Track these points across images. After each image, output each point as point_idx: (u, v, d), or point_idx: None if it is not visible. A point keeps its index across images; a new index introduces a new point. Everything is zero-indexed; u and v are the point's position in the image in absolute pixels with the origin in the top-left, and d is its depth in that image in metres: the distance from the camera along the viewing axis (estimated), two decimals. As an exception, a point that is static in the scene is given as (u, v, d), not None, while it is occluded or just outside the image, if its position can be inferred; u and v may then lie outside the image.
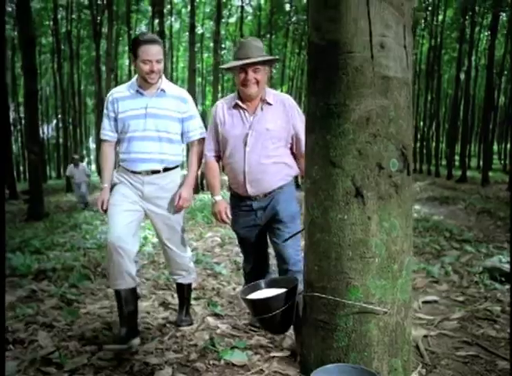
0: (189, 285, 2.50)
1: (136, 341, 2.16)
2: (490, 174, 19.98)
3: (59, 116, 28.32)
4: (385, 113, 0.92)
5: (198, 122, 2.27)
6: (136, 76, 2.21)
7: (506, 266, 3.11)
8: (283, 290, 1.15)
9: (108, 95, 2.26)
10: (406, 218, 0.97)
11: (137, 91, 2.16)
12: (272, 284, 1.24)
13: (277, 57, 2.34)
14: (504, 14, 22.95)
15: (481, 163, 16.68)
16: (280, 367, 1.93)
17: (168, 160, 2.21)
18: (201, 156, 2.27)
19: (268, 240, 2.25)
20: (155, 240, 5.03)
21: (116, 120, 2.21)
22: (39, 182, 7.85)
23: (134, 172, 2.19)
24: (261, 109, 2.06)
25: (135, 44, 2.09)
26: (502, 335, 2.18)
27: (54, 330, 2.33)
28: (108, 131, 2.25)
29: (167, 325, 2.50)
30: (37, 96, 8.26)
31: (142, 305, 2.85)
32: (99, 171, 26.16)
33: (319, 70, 0.96)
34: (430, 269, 3.37)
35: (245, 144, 2.03)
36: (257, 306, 1.14)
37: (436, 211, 8.32)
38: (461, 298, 2.78)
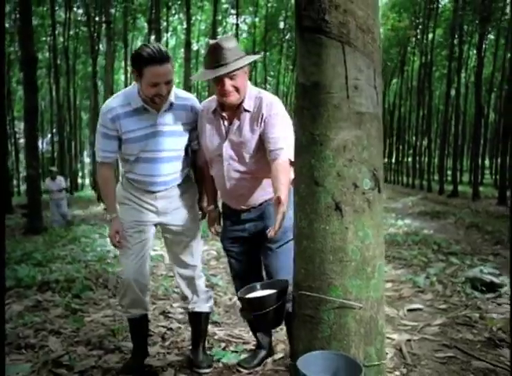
0: (208, 314, 2.20)
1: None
2: (481, 189, 20.32)
3: (54, 130, 28.47)
4: (359, 141, 1.12)
5: None
6: (135, 85, 1.87)
7: (487, 276, 3.30)
8: (275, 290, 1.33)
9: (104, 109, 1.89)
10: (378, 228, 1.16)
11: (142, 106, 1.85)
12: (266, 286, 1.42)
13: (258, 55, 2.04)
14: (492, 33, 23.65)
15: (475, 177, 16.95)
16: (273, 368, 2.09)
17: (182, 175, 2.03)
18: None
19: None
20: (153, 252, 5.18)
21: (119, 139, 1.91)
22: (37, 196, 7.98)
23: (148, 191, 1.99)
24: (238, 118, 1.81)
25: (140, 61, 1.73)
26: (478, 339, 2.36)
27: (62, 336, 2.48)
28: (109, 153, 1.94)
29: (168, 332, 2.65)
30: (37, 112, 8.47)
31: (143, 313, 3.01)
32: (94, 187, 26.01)
33: (305, 106, 1.16)
34: (416, 280, 3.56)
35: (223, 157, 1.84)
36: (253, 304, 1.31)
37: (427, 225, 8.52)
38: (443, 306, 2.96)
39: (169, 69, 1.76)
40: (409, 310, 2.92)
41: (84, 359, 2.18)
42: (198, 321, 2.16)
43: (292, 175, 1.44)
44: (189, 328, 2.47)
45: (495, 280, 3.28)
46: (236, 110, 1.81)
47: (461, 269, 4.04)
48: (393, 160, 37.65)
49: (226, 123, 1.84)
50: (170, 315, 2.99)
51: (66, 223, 9.10)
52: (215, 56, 1.68)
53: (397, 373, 2.00)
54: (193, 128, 1.97)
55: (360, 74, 1.11)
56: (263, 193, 1.88)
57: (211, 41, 1.74)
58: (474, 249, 5.61)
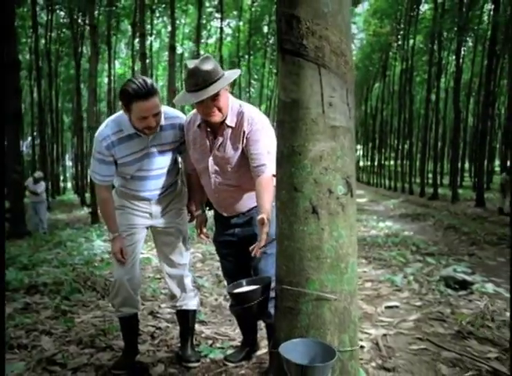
0: (194, 312, 2.31)
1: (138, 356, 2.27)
2: (460, 191, 20.82)
3: (35, 133, 28.11)
4: (334, 152, 1.26)
5: None
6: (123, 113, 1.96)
7: (459, 275, 3.50)
8: (259, 285, 1.47)
9: (99, 137, 1.98)
10: (350, 229, 1.30)
11: (135, 133, 1.96)
12: (251, 283, 1.55)
13: (237, 73, 1.89)
14: (470, 40, 24.30)
15: (454, 179, 17.37)
16: (258, 362, 2.22)
17: (174, 183, 2.18)
18: None
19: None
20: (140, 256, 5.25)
21: (115, 163, 2.03)
22: (21, 200, 7.95)
23: (143, 199, 2.13)
24: (222, 134, 1.86)
25: (127, 98, 1.82)
26: (448, 332, 2.53)
27: (53, 337, 2.56)
28: (107, 177, 2.06)
29: (157, 331, 2.75)
30: (21, 117, 8.45)
31: (132, 314, 3.10)
32: (77, 190, 25.66)
33: (285, 120, 1.30)
34: (393, 279, 3.73)
35: (209, 170, 1.92)
36: (239, 298, 1.44)
37: (407, 226, 8.77)
38: (419, 303, 3.13)
39: (156, 103, 1.83)
40: (387, 307, 3.08)
41: (76, 358, 2.27)
42: (186, 319, 2.27)
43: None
44: (177, 327, 2.59)
45: (467, 278, 3.48)
46: (220, 126, 1.85)
47: (437, 269, 4.24)
48: (375, 163, 38.29)
49: (211, 138, 1.90)
50: (158, 315, 3.09)
51: (42, 230, 9.00)
52: (195, 79, 1.70)
53: (373, 364, 2.15)
54: (182, 143, 2.07)
55: (334, 93, 1.26)
56: (250, 202, 1.94)
57: (190, 65, 1.73)
58: (451, 249, 5.85)
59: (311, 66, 1.24)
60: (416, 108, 33.87)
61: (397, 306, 3.10)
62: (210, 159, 1.91)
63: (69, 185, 47.48)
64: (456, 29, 17.32)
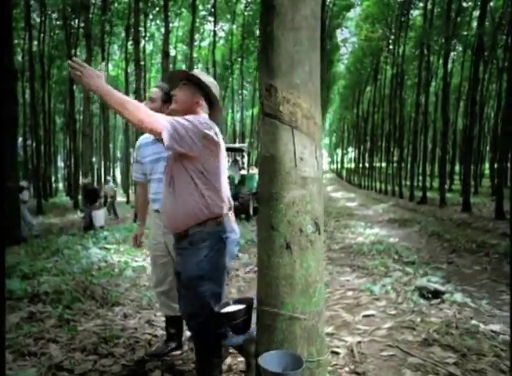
0: None
1: (178, 352, 2.73)
2: (449, 195, 21.25)
3: (27, 134, 28.15)
4: (304, 198, 1.53)
5: None
6: None
7: (432, 285, 3.80)
8: (244, 305, 1.74)
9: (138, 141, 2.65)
10: (318, 260, 1.58)
11: (156, 138, 2.22)
12: (236, 302, 1.82)
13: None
14: (459, 45, 24.72)
15: (442, 184, 17.73)
16: (244, 366, 2.49)
17: None
18: None
19: None
20: (135, 264, 5.49)
21: (142, 163, 2.57)
22: (17, 207, 8.14)
23: (156, 211, 2.51)
24: None
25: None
26: (416, 339, 2.81)
27: (59, 344, 2.81)
28: (138, 174, 2.66)
29: (153, 339, 3.01)
30: (16, 125, 8.64)
31: (130, 322, 3.35)
32: (69, 193, 25.78)
33: (265, 171, 1.57)
34: (373, 289, 4.01)
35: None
36: (229, 316, 1.71)
37: (393, 233, 9.09)
38: (393, 312, 3.42)
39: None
40: (364, 316, 3.36)
41: (82, 364, 2.52)
42: (180, 321, 2.72)
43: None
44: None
45: (439, 288, 3.78)
46: None
47: (415, 278, 4.54)
48: (367, 166, 38.76)
49: None
50: (154, 323, 3.35)
51: (35, 232, 9.36)
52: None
53: (346, 369, 2.42)
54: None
55: (305, 150, 1.53)
56: (184, 221, 1.94)
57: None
58: (432, 257, 6.17)
59: (286, 128, 1.52)
60: (407, 112, 34.38)
61: (373, 315, 3.38)
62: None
63: (60, 185, 47.53)
64: (443, 40, 17.64)
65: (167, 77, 2.15)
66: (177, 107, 1.99)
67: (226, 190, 2.01)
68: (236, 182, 12.55)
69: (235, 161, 13.77)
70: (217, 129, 1.96)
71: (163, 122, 1.73)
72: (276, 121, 1.52)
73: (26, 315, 3.40)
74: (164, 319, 3.38)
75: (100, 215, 9.91)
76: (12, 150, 8.00)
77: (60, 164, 49.69)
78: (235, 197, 11.76)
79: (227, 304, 1.81)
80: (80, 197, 18.48)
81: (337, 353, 2.65)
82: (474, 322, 3.16)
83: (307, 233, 1.55)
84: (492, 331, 3.00)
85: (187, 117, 1.85)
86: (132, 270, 5.15)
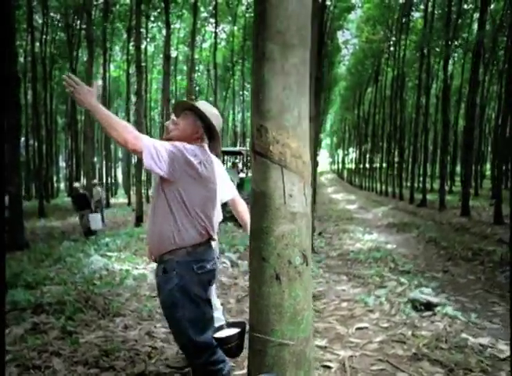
0: None
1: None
2: (449, 197, 21.30)
3: (29, 135, 28.32)
4: (293, 232, 1.64)
5: None
6: None
7: (424, 297, 3.89)
8: (237, 330, 1.84)
9: None
10: (306, 289, 1.68)
11: None
12: (230, 325, 1.92)
13: None
14: (460, 46, 24.76)
15: (442, 187, 17.75)
16: (240, 382, 2.60)
17: None
18: None
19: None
20: (136, 272, 5.60)
21: None
22: (20, 214, 8.26)
23: None
24: None
25: None
26: (406, 354, 2.92)
27: (62, 357, 2.92)
28: None
29: (153, 351, 3.12)
30: (19, 131, 8.76)
31: (130, 334, 3.46)
32: (70, 193, 26.01)
33: (256, 206, 1.67)
34: (367, 301, 4.11)
35: None
36: (223, 341, 1.81)
37: (391, 238, 9.19)
38: (386, 325, 3.52)
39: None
40: (357, 328, 3.47)
41: (84, 378, 2.63)
42: None
43: None
44: (172, 346, 2.98)
45: (432, 300, 3.88)
46: None
47: (409, 288, 4.64)
48: (368, 167, 38.84)
49: None
50: (154, 334, 3.45)
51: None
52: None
53: (337, 384, 2.53)
54: None
55: (293, 187, 1.64)
56: (159, 247, 1.99)
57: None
58: (428, 265, 6.26)
59: (276, 167, 1.62)
60: (408, 113, 34.45)
61: (366, 327, 3.49)
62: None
63: (62, 185, 47.78)
64: (443, 43, 17.70)
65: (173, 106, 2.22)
66: (177, 134, 2.08)
67: (211, 220, 2.04)
68: (235, 185, 12.63)
69: (234, 165, 13.84)
70: (206, 159, 2.03)
71: (145, 143, 1.82)
72: (267, 160, 1.63)
73: (30, 326, 3.51)
74: (164, 330, 3.51)
75: (96, 219, 9.96)
76: (14, 155, 8.12)
77: (62, 164, 49.97)
78: None
79: (221, 327, 1.91)
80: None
81: (329, 367, 2.75)
82: (463, 335, 3.26)
83: (295, 265, 1.65)
84: (481, 345, 3.10)
85: (174, 142, 1.94)
86: (133, 279, 5.25)
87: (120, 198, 30.70)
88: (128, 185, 32.23)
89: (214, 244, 2.14)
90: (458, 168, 35.69)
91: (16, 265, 5.99)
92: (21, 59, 27.86)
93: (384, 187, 29.67)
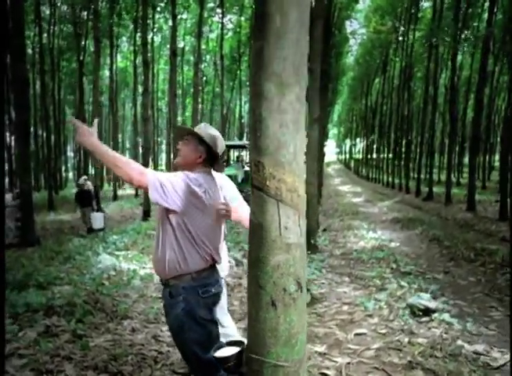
0: None
1: None
2: (456, 190, 21.26)
3: (38, 125, 28.60)
4: (288, 262, 1.74)
5: None
6: None
7: (423, 303, 3.99)
8: (236, 349, 1.96)
9: None
10: (300, 315, 1.79)
11: None
12: (231, 344, 2.04)
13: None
14: (468, 40, 24.41)
15: (448, 179, 17.66)
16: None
17: None
18: None
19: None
20: (142, 272, 5.76)
21: None
22: (30, 210, 8.43)
23: None
24: None
25: None
26: (401, 362, 3.03)
27: (73, 362, 3.07)
28: None
29: (159, 356, 3.27)
30: (29, 131, 8.92)
31: (138, 337, 3.61)
32: (77, 181, 26.45)
33: (254, 236, 1.78)
34: (367, 305, 4.22)
35: None
36: (222, 360, 1.93)
37: (395, 236, 9.26)
38: (384, 331, 3.63)
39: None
40: (356, 334, 3.58)
41: (94, 383, 2.78)
42: None
43: None
44: (177, 351, 3.10)
45: (429, 306, 3.98)
46: None
47: (409, 291, 4.74)
48: (374, 157, 38.73)
49: None
50: (160, 338, 3.60)
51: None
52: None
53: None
54: None
55: (289, 219, 1.73)
56: (167, 271, 2.06)
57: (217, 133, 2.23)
58: (430, 266, 6.34)
59: (272, 201, 1.72)
60: (416, 103, 34.20)
61: (365, 333, 3.60)
62: None
63: (70, 175, 48.32)
64: (452, 35, 17.47)
65: (175, 132, 2.32)
66: (180, 161, 2.16)
67: (216, 246, 2.13)
68: (240, 180, 12.42)
69: (238, 158, 13.77)
70: (210, 185, 2.11)
71: (150, 177, 1.90)
72: (264, 194, 1.72)
73: (42, 329, 3.67)
74: (169, 334, 3.65)
75: (98, 218, 10.08)
76: (25, 155, 8.28)
77: (70, 153, 50.48)
78: None
79: (220, 346, 2.03)
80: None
81: (327, 375, 2.88)
82: (459, 342, 3.37)
83: (290, 292, 1.76)
84: (476, 353, 3.21)
85: (178, 173, 2.02)
86: (140, 279, 5.41)
87: (128, 189, 30.92)
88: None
89: (220, 265, 2.27)
90: (466, 159, 35.43)
91: (28, 263, 6.17)
92: (29, 51, 28.02)
93: (390, 179, 29.63)
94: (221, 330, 2.35)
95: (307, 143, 7.41)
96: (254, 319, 1.80)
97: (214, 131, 2.25)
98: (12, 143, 29.27)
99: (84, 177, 11.79)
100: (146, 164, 16.88)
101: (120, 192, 26.09)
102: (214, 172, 2.52)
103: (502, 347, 3.36)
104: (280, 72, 1.70)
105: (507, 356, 3.19)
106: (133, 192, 25.29)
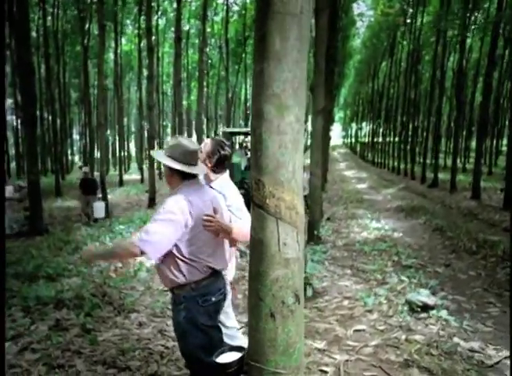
0: None
1: None
2: (461, 177, 21.20)
3: (43, 108, 28.68)
4: (286, 276, 1.82)
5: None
6: None
7: (421, 299, 4.08)
8: (238, 355, 2.07)
9: None
10: (297, 325, 1.88)
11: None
12: (231, 349, 2.15)
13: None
14: (478, 14, 23.86)
15: (454, 164, 17.50)
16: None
17: None
18: None
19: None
20: (148, 263, 5.88)
21: None
22: (39, 201, 8.56)
23: None
24: None
25: None
26: (398, 360, 3.14)
27: (83, 356, 3.21)
28: None
29: (165, 350, 3.40)
30: (36, 124, 8.99)
31: (144, 332, 3.74)
32: (85, 162, 26.59)
33: (254, 251, 1.86)
34: (366, 301, 4.32)
35: None
36: (224, 366, 2.04)
37: (399, 225, 9.32)
38: (382, 327, 3.74)
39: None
40: (355, 331, 3.69)
41: (103, 378, 2.92)
42: None
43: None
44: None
45: (428, 302, 4.06)
46: None
47: (409, 286, 4.84)
48: (380, 141, 38.51)
49: None
50: (166, 333, 3.73)
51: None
52: (195, 156, 2.26)
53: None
54: None
55: (287, 236, 1.81)
56: (166, 282, 2.25)
57: (191, 145, 2.23)
58: (431, 258, 6.42)
59: (271, 218, 1.79)
60: (424, 87, 33.79)
61: (364, 330, 3.71)
62: None
63: (76, 158, 48.66)
64: (460, 19, 17.15)
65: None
66: (169, 185, 2.33)
67: (214, 256, 2.22)
68: (243, 167, 11.97)
69: (241, 145, 13.49)
70: (193, 201, 2.14)
71: (140, 244, 2.03)
72: (264, 212, 1.80)
73: (53, 323, 3.81)
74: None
75: (100, 207, 10.16)
76: (32, 146, 8.37)
77: (76, 136, 50.75)
78: (241, 183, 11.29)
79: (222, 352, 2.14)
80: (96, 172, 18.87)
81: (326, 372, 2.99)
82: (455, 339, 3.48)
83: (288, 304, 1.84)
84: (471, 350, 3.31)
85: (159, 216, 2.08)
86: (146, 271, 5.54)
87: (133, 174, 31.12)
88: (140, 159, 32.61)
89: (226, 270, 2.37)
90: (474, 144, 35.15)
91: (38, 254, 6.33)
92: (33, 34, 27.89)
93: (396, 164, 29.51)
94: (225, 332, 2.48)
95: (312, 133, 7.45)
96: (254, 329, 1.89)
97: (173, 140, 2.27)
98: (19, 127, 29.63)
99: (85, 168, 11.87)
100: (151, 149, 16.94)
101: (125, 177, 26.25)
102: (224, 177, 2.67)
103: (497, 344, 3.46)
104: (280, 94, 1.75)
105: (502, 354, 3.29)
106: (139, 177, 25.45)
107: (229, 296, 2.55)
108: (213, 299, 2.21)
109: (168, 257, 2.13)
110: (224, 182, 2.68)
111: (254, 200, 1.84)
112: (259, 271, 1.84)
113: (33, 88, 8.60)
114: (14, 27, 12.99)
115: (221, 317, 2.46)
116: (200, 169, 2.32)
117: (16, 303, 4.25)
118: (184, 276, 2.14)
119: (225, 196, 2.52)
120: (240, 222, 2.47)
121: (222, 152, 2.65)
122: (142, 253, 2.05)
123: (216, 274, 2.26)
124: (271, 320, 1.84)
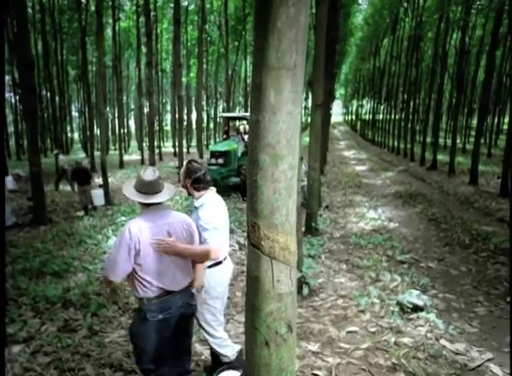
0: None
1: None
2: (461, 159, 21.28)
3: (42, 86, 28.48)
4: (279, 309, 1.99)
5: None
6: None
7: (411, 300, 4.28)
8: (236, 374, 2.26)
9: None
10: (289, 352, 2.06)
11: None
12: (230, 368, 2.34)
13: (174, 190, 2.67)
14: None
15: (453, 145, 17.48)
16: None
17: None
18: None
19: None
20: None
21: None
22: (41, 192, 8.69)
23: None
24: None
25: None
26: (386, 364, 3.35)
27: (91, 359, 3.42)
28: None
29: (168, 352, 3.61)
30: (37, 115, 9.03)
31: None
32: (85, 143, 26.61)
33: (250, 287, 2.02)
34: (359, 302, 4.52)
35: None
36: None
37: (395, 214, 9.49)
38: (373, 329, 3.94)
39: None
40: (348, 332, 3.90)
41: (111, 381, 3.14)
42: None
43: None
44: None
45: (418, 303, 4.27)
46: None
47: (401, 284, 5.03)
48: (381, 118, 38.33)
49: None
50: (168, 333, 3.94)
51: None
52: (157, 186, 2.48)
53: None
54: None
55: (281, 274, 1.96)
56: None
57: (148, 177, 2.48)
58: (425, 251, 6.61)
59: (266, 258, 1.94)
60: (426, 64, 33.40)
61: (356, 331, 3.92)
62: None
63: (75, 135, 48.58)
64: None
65: None
66: None
67: (165, 277, 2.46)
68: (239, 154, 11.75)
69: (237, 131, 13.17)
70: (143, 228, 2.38)
71: (103, 273, 2.78)
72: (259, 252, 1.95)
73: (61, 324, 4.03)
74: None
75: (99, 195, 10.19)
76: (33, 137, 8.45)
77: (75, 113, 50.60)
78: (237, 171, 11.43)
79: (223, 370, 2.33)
80: (97, 152, 18.87)
81: (318, 376, 3.21)
82: (442, 341, 3.69)
83: (281, 334, 2.02)
84: (456, 353, 3.52)
85: (117, 240, 2.42)
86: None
87: (134, 154, 31.14)
88: (140, 137, 32.52)
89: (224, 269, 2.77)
90: (475, 122, 35.03)
91: (43, 247, 6.51)
92: (29, 11, 27.40)
93: (396, 143, 29.49)
94: (214, 340, 2.91)
95: (311, 128, 7.50)
96: (251, 354, 2.08)
97: (138, 173, 2.53)
98: (17, 103, 29.47)
99: (55, 151, 11.84)
100: (151, 135, 16.97)
101: (126, 157, 26.24)
102: (207, 195, 2.91)
103: (480, 346, 3.68)
104: (274, 145, 1.87)
105: (484, 356, 3.51)
106: (139, 157, 25.47)
107: (224, 300, 2.99)
108: (159, 317, 2.46)
109: (131, 273, 2.43)
110: (206, 200, 2.88)
111: (250, 240, 1.99)
112: (254, 305, 2.01)
113: (33, 82, 8.59)
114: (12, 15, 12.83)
115: (212, 325, 2.90)
116: (163, 196, 2.52)
117: (26, 302, 4.46)
118: (138, 292, 2.46)
119: (199, 216, 2.77)
120: (203, 245, 2.71)
121: (194, 175, 2.86)
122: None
123: (169, 294, 2.50)
124: (265, 348, 2.02)
